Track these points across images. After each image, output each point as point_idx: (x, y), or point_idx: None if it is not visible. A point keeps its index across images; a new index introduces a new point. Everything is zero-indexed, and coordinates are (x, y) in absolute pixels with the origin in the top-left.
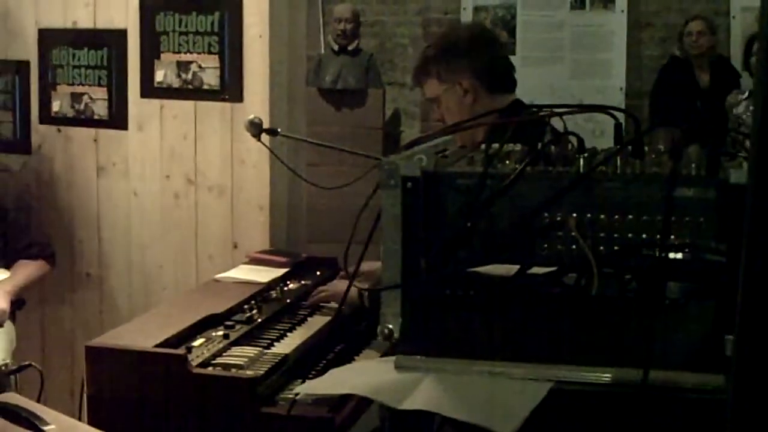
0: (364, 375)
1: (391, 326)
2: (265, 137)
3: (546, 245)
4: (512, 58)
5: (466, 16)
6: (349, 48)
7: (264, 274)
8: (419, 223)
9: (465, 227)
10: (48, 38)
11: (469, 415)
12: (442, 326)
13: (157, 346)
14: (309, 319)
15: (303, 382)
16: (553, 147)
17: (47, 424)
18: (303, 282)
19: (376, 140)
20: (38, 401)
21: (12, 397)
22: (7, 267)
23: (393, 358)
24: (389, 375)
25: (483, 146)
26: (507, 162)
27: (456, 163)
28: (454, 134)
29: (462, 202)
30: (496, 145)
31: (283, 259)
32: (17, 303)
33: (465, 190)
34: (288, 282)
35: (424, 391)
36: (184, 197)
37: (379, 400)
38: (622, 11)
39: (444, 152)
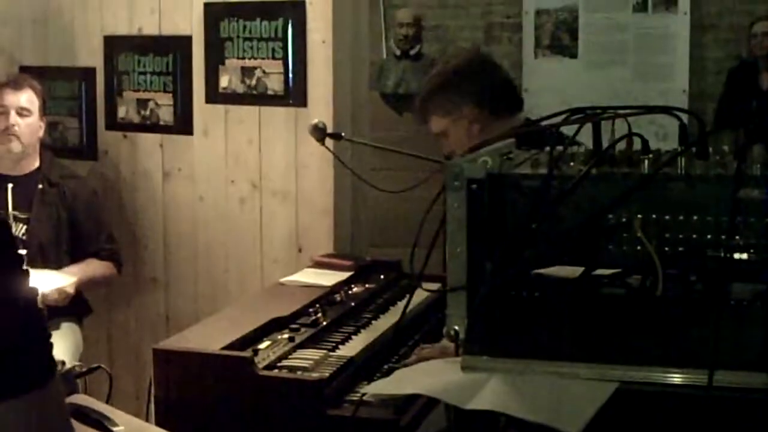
0: (430, 375)
1: (456, 327)
2: (329, 142)
3: (611, 246)
4: (574, 62)
5: (528, 20)
6: (411, 53)
7: (328, 278)
8: (484, 225)
9: (530, 229)
10: (113, 45)
11: (535, 415)
12: (507, 327)
13: (223, 348)
14: (374, 322)
15: (368, 384)
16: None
17: (116, 425)
18: (367, 285)
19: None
20: (107, 403)
21: (81, 399)
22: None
23: (458, 359)
24: (455, 375)
25: (547, 148)
26: (572, 164)
27: (521, 164)
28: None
29: (527, 204)
30: (560, 148)
31: (347, 263)
32: (84, 308)
33: (530, 192)
34: (352, 285)
35: (490, 391)
36: (249, 202)
37: (445, 400)
38: (685, 13)
39: (509, 154)
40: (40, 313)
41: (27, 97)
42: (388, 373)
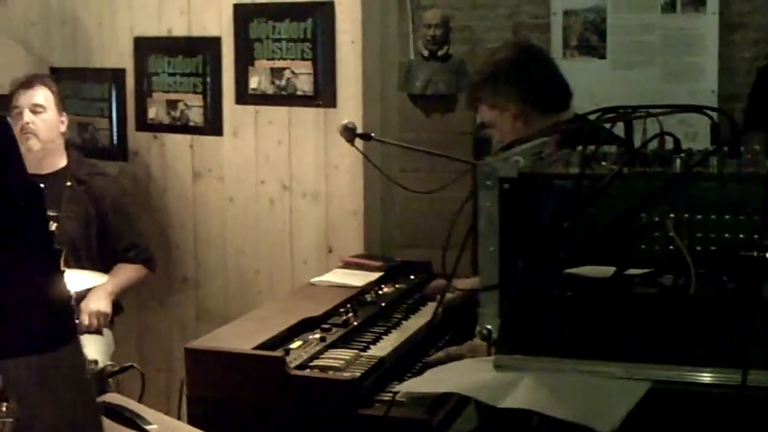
0: (463, 374)
1: (489, 327)
2: (358, 142)
3: (643, 246)
4: (602, 62)
5: (556, 21)
6: (439, 53)
7: (359, 278)
8: (516, 224)
9: (562, 228)
10: (143, 46)
11: (568, 413)
12: (540, 326)
13: (255, 348)
14: (404, 322)
15: (399, 384)
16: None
17: (149, 423)
18: (397, 286)
19: (467, 145)
20: (139, 402)
21: (115, 398)
22: (106, 270)
23: (491, 357)
24: (488, 374)
25: (579, 147)
26: (603, 163)
27: (553, 164)
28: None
29: (559, 203)
30: (592, 147)
31: (377, 263)
32: (115, 308)
33: (562, 192)
34: (382, 286)
35: (523, 389)
36: (279, 202)
37: (479, 398)
38: (714, 13)
39: (540, 154)
40: (63, 277)
41: (39, 94)
42: (419, 373)
